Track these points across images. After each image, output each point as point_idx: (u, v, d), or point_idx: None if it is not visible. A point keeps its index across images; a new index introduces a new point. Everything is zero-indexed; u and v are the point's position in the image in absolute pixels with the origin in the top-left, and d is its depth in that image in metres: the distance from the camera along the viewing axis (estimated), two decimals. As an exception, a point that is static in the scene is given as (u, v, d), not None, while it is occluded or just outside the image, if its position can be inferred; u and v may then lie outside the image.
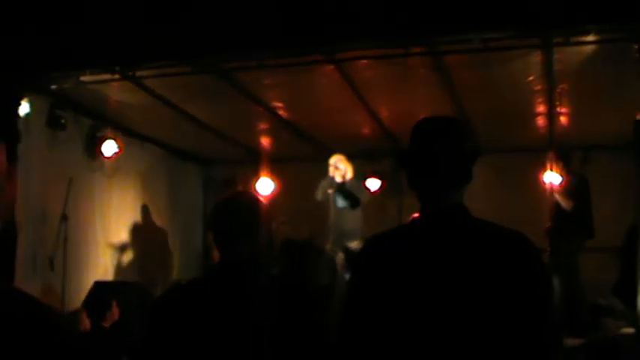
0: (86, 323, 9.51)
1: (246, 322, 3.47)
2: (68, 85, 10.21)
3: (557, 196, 10.96)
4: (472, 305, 3.13)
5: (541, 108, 11.87)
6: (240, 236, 3.70)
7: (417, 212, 3.44)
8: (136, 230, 14.07)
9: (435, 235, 3.30)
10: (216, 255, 3.80)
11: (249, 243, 3.70)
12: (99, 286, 11.61)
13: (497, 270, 3.17)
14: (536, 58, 9.57)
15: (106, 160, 12.65)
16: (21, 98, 9.65)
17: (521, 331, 3.13)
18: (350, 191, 11.70)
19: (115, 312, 10.19)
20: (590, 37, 8.41)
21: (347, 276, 10.68)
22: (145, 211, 14.45)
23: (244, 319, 3.48)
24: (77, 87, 10.34)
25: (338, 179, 11.58)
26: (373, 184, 14.60)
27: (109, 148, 12.42)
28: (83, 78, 9.92)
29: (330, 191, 11.61)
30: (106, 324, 10.07)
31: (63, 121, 11.41)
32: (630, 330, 10.50)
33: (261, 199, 3.99)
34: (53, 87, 10.49)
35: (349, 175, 11.75)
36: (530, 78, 10.34)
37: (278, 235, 11.56)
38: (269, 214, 3.89)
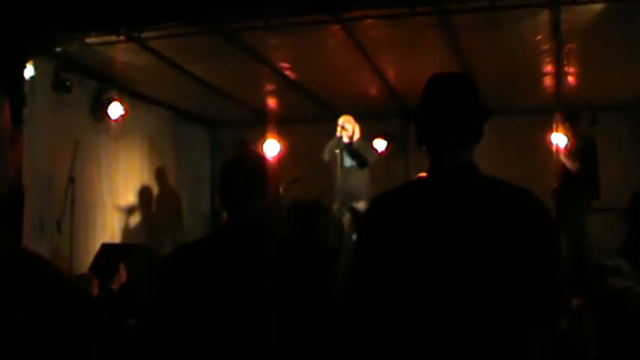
0: (94, 286, 9.52)
1: (253, 284, 3.46)
2: (73, 47, 10.16)
3: (564, 158, 10.93)
4: (480, 262, 3.12)
5: (548, 68, 11.81)
6: (247, 197, 3.68)
7: (422, 172, 3.41)
8: (143, 193, 14.08)
9: (444, 193, 3.28)
10: (225, 217, 3.79)
11: (256, 203, 3.68)
12: (106, 248, 11.63)
13: (506, 228, 3.15)
14: (543, 17, 9.51)
15: (112, 122, 12.64)
16: (26, 61, 9.62)
17: (529, 289, 3.12)
18: (357, 151, 11.66)
19: (122, 274, 10.21)
20: (599, -4, 8.36)
21: (354, 237, 10.69)
22: (151, 173, 14.45)
23: (251, 280, 3.46)
24: (82, 49, 10.29)
25: (345, 139, 11.54)
26: (380, 144, 14.57)
27: (115, 110, 12.39)
28: (88, 40, 9.88)
29: (337, 152, 11.57)
30: (114, 286, 10.09)
31: (68, 83, 11.38)
32: (637, 290, 10.53)
33: (267, 158, 3.96)
34: (58, 49, 10.44)
35: (357, 135, 11.70)
36: (538, 38, 10.27)
37: (286, 196, 11.60)
38: (275, 174, 3.87)
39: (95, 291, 9.50)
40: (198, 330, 3.46)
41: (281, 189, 12.27)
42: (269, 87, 13.48)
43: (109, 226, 12.92)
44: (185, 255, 3.79)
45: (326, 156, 11.79)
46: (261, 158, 3.91)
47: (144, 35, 9.97)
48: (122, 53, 10.94)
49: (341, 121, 11.62)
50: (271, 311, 3.43)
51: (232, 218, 3.74)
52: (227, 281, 3.49)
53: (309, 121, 15.07)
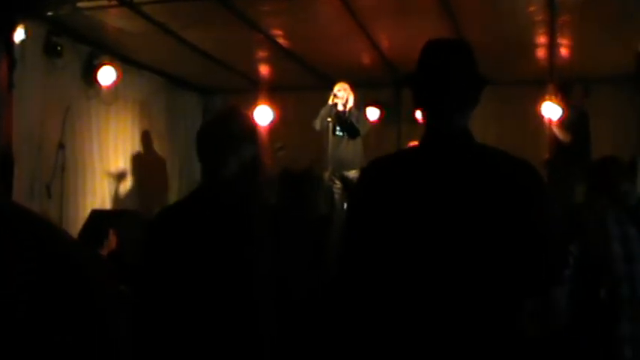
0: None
1: (232, 247, 3.43)
2: (65, 11, 10.10)
3: (556, 129, 10.93)
4: (475, 231, 3.11)
5: (542, 39, 11.78)
6: (222, 155, 3.62)
7: (415, 141, 3.40)
8: (134, 159, 14.03)
9: (438, 160, 3.26)
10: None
11: (233, 162, 3.63)
12: (96, 214, 11.60)
13: (501, 196, 3.14)
14: (538, -13, 9.50)
15: (103, 88, 12.56)
16: (16, 24, 9.55)
17: (525, 258, 3.12)
18: (350, 120, 11.63)
19: (112, 241, 10.18)
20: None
21: (345, 205, 10.69)
22: (143, 139, 14.39)
23: (230, 243, 3.44)
24: (74, 13, 10.23)
25: (339, 107, 11.51)
26: (373, 113, 14.56)
27: (107, 75, 12.32)
28: (80, 4, 9.82)
29: (329, 120, 11.53)
30: (104, 253, 10.08)
31: (59, 48, 11.30)
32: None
33: (250, 119, 3.89)
34: (49, 13, 10.37)
35: (351, 103, 11.66)
36: (532, 8, 10.24)
37: (275, 163, 11.57)
38: (263, 137, 3.83)
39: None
40: (186, 294, 3.45)
41: (269, 155, 12.26)
42: (262, 54, 13.43)
43: (99, 192, 12.88)
44: (166, 220, 3.76)
45: (317, 125, 11.76)
46: (244, 118, 3.84)
47: (136, 0, 9.91)
48: (114, 18, 10.87)
49: (336, 88, 11.58)
50: (251, 277, 3.42)
51: (208, 177, 3.70)
52: (205, 246, 3.46)
53: (301, 89, 15.02)
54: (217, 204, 3.58)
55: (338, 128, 11.67)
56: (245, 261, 3.42)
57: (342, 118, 11.58)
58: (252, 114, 14.05)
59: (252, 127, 3.78)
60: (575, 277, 4.47)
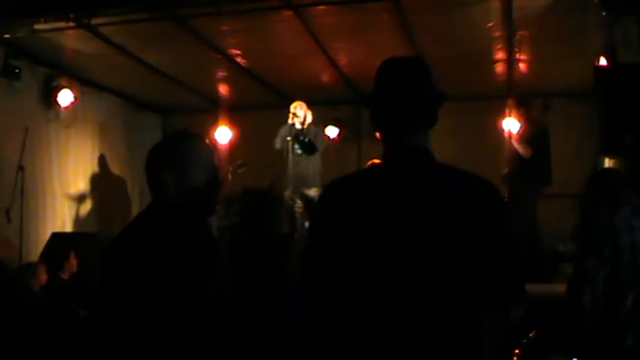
0: (43, 275, 9.44)
1: (173, 276, 3.41)
2: (22, 33, 10.07)
3: (516, 144, 10.98)
4: (433, 250, 3.09)
5: (500, 54, 11.86)
6: (168, 175, 3.58)
7: (375, 158, 3.40)
8: (94, 180, 13.97)
9: (398, 178, 3.24)
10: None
11: (178, 183, 3.58)
12: (57, 237, 11.55)
13: (459, 214, 3.12)
14: (495, 3, 9.56)
15: (62, 109, 12.53)
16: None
17: (484, 277, 3.10)
18: (308, 138, 11.63)
19: (73, 263, 10.14)
20: (550, -17, 8.40)
21: (306, 224, 10.68)
22: (102, 161, 14.34)
23: (170, 272, 3.41)
24: (32, 36, 10.19)
25: (297, 126, 11.52)
26: (332, 131, 14.59)
27: (65, 97, 12.29)
28: (37, 26, 9.79)
29: (288, 139, 11.54)
30: (65, 276, 10.02)
31: (17, 70, 11.28)
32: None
33: (204, 141, 3.84)
34: (7, 36, 10.33)
35: (309, 120, 11.67)
36: (490, 24, 10.32)
37: (235, 181, 11.57)
38: (219, 157, 3.79)
39: (44, 280, 9.42)
40: (138, 320, 3.42)
41: (230, 175, 12.26)
42: (221, 74, 13.43)
43: (60, 215, 12.81)
44: (120, 245, 3.72)
45: (277, 144, 11.77)
46: (196, 142, 3.80)
47: (94, 22, 9.88)
48: (72, 40, 10.85)
49: (293, 107, 11.60)
50: (198, 306, 3.41)
51: (155, 199, 3.67)
52: (153, 273, 3.43)
53: (261, 108, 15.05)
54: (163, 231, 3.55)
55: (297, 146, 11.67)
56: (186, 290, 3.39)
57: (300, 137, 11.58)
58: (211, 134, 14.05)
59: (203, 150, 3.74)
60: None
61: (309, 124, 11.69)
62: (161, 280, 3.39)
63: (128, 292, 3.42)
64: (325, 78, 13.55)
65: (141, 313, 3.39)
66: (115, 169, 14.70)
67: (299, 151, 11.70)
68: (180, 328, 3.36)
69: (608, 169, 7.88)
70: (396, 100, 3.30)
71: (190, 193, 3.59)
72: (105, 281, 3.57)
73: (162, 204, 3.60)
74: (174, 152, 3.63)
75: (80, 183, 13.57)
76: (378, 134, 3.37)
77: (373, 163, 3.34)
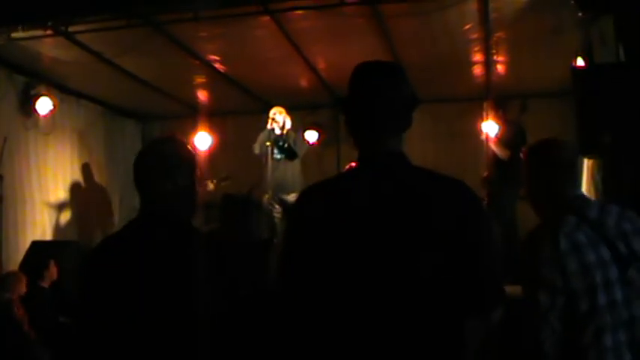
0: (23, 284, 9.43)
1: (162, 282, 3.41)
2: (-1, 41, 10.04)
3: (494, 146, 11.00)
4: (411, 253, 3.10)
5: (478, 57, 11.90)
6: (156, 184, 3.61)
7: (354, 161, 3.39)
8: (74, 189, 13.92)
9: (372, 183, 3.25)
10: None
11: (168, 191, 3.61)
12: (37, 245, 11.52)
13: (437, 218, 3.13)
14: (472, 6, 9.58)
15: (41, 117, 12.48)
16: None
17: (463, 280, 3.10)
18: (287, 143, 11.63)
19: (53, 272, 10.13)
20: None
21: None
22: (82, 168, 14.29)
23: (160, 278, 3.42)
24: (9, 44, 10.17)
25: (277, 131, 11.52)
26: (312, 135, 14.63)
27: (44, 105, 12.25)
28: (15, 34, 9.76)
29: (267, 144, 11.53)
30: (45, 284, 10.00)
31: (-5, 79, 11.25)
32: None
33: (186, 145, 3.87)
34: (-17, 44, 10.31)
35: (288, 126, 11.67)
36: (467, 26, 10.35)
37: (218, 192, 11.55)
38: (199, 162, 3.79)
39: (24, 289, 9.40)
40: (121, 329, 3.42)
41: (212, 185, 12.26)
42: (199, 80, 13.43)
43: (40, 223, 12.76)
44: (102, 254, 3.73)
45: (257, 149, 11.75)
46: (179, 145, 3.82)
47: (71, 29, 9.86)
48: (50, 47, 10.83)
49: (272, 112, 11.60)
50: (191, 306, 3.40)
51: (144, 206, 3.69)
52: (144, 276, 3.44)
53: (240, 114, 15.06)
54: (152, 236, 3.56)
55: (276, 151, 11.66)
56: (177, 296, 3.40)
57: (279, 142, 11.58)
58: (190, 140, 14.02)
59: (187, 153, 3.76)
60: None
61: (288, 130, 11.68)
62: (155, 285, 3.39)
63: (123, 293, 3.42)
64: (304, 82, 13.57)
65: (133, 314, 3.39)
66: (95, 176, 14.64)
67: (279, 156, 11.70)
68: (166, 332, 3.37)
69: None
70: (369, 104, 3.31)
71: (178, 195, 3.61)
72: (93, 285, 3.57)
73: (153, 207, 3.62)
74: (164, 156, 3.66)
75: (60, 191, 13.52)
76: (353, 137, 3.37)
77: (351, 167, 3.34)
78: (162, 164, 3.64)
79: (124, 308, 3.41)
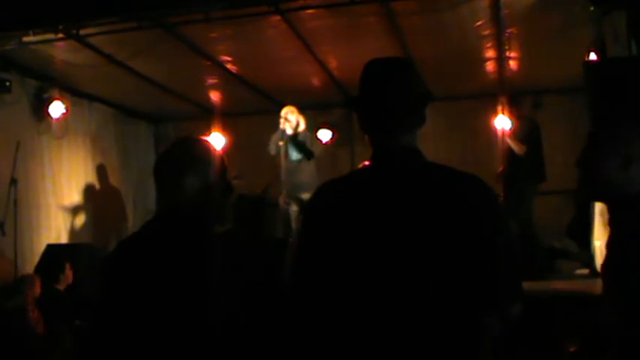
0: (38, 287, 9.44)
1: (185, 282, 3.39)
2: (11, 46, 10.04)
3: (509, 141, 10.96)
4: (427, 250, 3.07)
5: (490, 53, 11.88)
6: (180, 181, 3.58)
7: (367, 160, 3.37)
8: (87, 191, 13.93)
9: (387, 179, 3.22)
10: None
11: (191, 190, 3.58)
12: (52, 249, 11.53)
13: (453, 213, 3.10)
14: (483, 2, 9.58)
15: (54, 121, 12.50)
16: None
17: (480, 276, 3.08)
18: (303, 143, 11.60)
19: (68, 275, 10.14)
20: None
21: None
22: (96, 171, 14.31)
23: (182, 278, 3.40)
24: (21, 48, 10.18)
25: (289, 131, 11.47)
26: (325, 134, 14.61)
27: (57, 109, 12.26)
28: (26, 39, 9.77)
29: (281, 144, 11.49)
30: (60, 287, 10.01)
31: (8, 83, 11.25)
32: (584, 271, 10.60)
33: (211, 146, 3.84)
34: (-5, 49, 10.32)
35: (302, 126, 11.62)
36: (479, 23, 10.33)
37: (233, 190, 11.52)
38: (219, 161, 3.76)
39: (39, 292, 9.42)
40: (144, 330, 3.40)
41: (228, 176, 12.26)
42: (212, 81, 13.44)
43: (54, 227, 12.77)
44: (123, 253, 3.71)
45: (272, 150, 11.69)
46: (205, 146, 3.79)
47: (83, 32, 9.87)
48: (62, 51, 10.83)
49: (284, 112, 11.54)
50: (213, 302, 3.38)
51: (163, 204, 3.66)
52: (164, 279, 3.41)
53: (253, 114, 15.07)
54: (174, 236, 3.54)
55: (293, 152, 11.63)
56: (196, 297, 3.38)
57: (295, 141, 11.54)
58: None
59: (212, 153, 3.73)
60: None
61: (302, 130, 11.64)
62: (177, 285, 3.38)
63: (146, 294, 3.41)
64: (316, 82, 13.56)
65: (152, 316, 3.38)
66: (109, 178, 14.66)
67: (294, 157, 11.65)
68: (184, 332, 3.35)
69: None
70: (381, 101, 3.28)
71: (209, 197, 3.60)
72: (115, 286, 3.56)
73: (176, 207, 3.59)
74: (190, 156, 3.63)
75: (74, 194, 13.54)
76: (366, 135, 3.35)
77: (365, 165, 3.32)
78: (187, 164, 3.60)
79: (144, 309, 3.40)
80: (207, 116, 14.89)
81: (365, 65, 3.39)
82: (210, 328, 3.37)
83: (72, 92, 13.01)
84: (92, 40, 10.32)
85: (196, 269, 3.42)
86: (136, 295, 3.44)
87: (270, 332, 3.49)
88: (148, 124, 16.64)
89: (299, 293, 3.31)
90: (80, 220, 13.63)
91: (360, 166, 3.42)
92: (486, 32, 10.75)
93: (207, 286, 3.39)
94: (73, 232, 13.31)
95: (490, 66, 12.64)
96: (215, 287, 3.40)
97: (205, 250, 3.51)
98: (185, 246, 3.49)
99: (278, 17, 9.91)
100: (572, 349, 6.23)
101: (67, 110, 12.40)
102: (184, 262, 3.44)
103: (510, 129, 11.07)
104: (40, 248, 11.57)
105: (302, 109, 11.79)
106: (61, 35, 9.82)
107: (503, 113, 11.39)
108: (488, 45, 11.43)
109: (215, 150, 3.75)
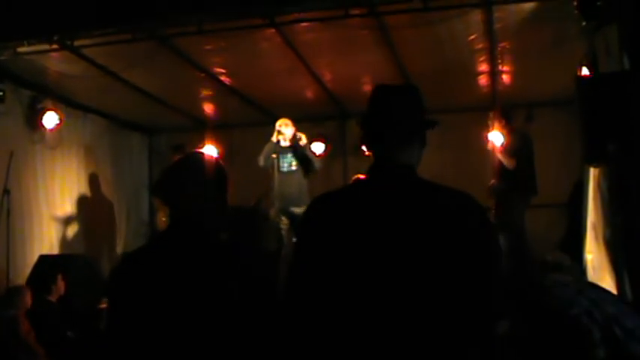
0: (30, 298, 9.42)
1: (197, 287, 3.42)
2: (5, 56, 10.05)
3: (500, 155, 10.99)
4: (418, 266, 3.11)
5: (483, 67, 11.92)
6: (188, 195, 3.64)
7: (360, 173, 3.44)
8: (80, 202, 13.91)
9: (379, 194, 3.29)
10: (160, 220, 3.74)
11: (198, 202, 3.64)
12: (44, 259, 11.51)
13: (443, 230, 3.15)
14: (476, 16, 9.60)
15: (47, 132, 12.50)
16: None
17: (469, 292, 3.11)
18: (307, 156, 11.60)
19: (60, 286, 10.11)
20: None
21: (293, 241, 10.66)
22: (89, 182, 14.29)
23: (195, 283, 3.43)
24: (15, 58, 10.19)
25: (283, 143, 11.49)
26: (318, 147, 14.62)
27: (50, 119, 12.27)
28: (20, 49, 9.79)
29: (274, 156, 11.50)
30: (53, 298, 9.99)
31: (1, 93, 11.24)
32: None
33: (218, 160, 3.91)
34: (-11, 59, 10.33)
35: (304, 141, 11.59)
36: (472, 37, 10.37)
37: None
38: (222, 174, 3.83)
39: (30, 303, 9.40)
40: (153, 341, 3.42)
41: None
42: (205, 93, 13.46)
43: (47, 237, 12.75)
44: (129, 266, 3.74)
45: (261, 161, 11.68)
46: (211, 160, 3.86)
47: (77, 43, 9.88)
48: (56, 62, 10.83)
49: (278, 124, 11.55)
50: (218, 313, 3.41)
51: (174, 219, 3.70)
52: (173, 288, 3.44)
53: (246, 126, 15.09)
54: (182, 248, 3.57)
55: (286, 163, 11.62)
56: (205, 306, 3.40)
57: (301, 156, 11.53)
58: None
59: (219, 167, 3.80)
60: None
61: (305, 144, 11.59)
62: (187, 298, 3.40)
63: (149, 305, 3.43)
64: (309, 94, 13.58)
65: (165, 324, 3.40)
66: (102, 190, 14.66)
67: (285, 169, 11.62)
68: (194, 340, 3.38)
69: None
70: (383, 121, 3.41)
71: (213, 207, 3.65)
72: (122, 298, 3.58)
73: (185, 219, 3.63)
74: (198, 169, 3.70)
75: (67, 205, 13.52)
76: (367, 152, 3.44)
77: (358, 178, 3.39)
78: (195, 177, 3.67)
79: (153, 318, 3.42)
80: (201, 128, 14.93)
81: (374, 89, 3.55)
82: (220, 336, 3.39)
83: (66, 103, 13.02)
84: (86, 52, 10.33)
85: (204, 280, 3.45)
86: (143, 303, 3.47)
87: (270, 341, 3.51)
88: (142, 135, 16.65)
89: (293, 305, 3.34)
90: (73, 230, 13.61)
91: (354, 178, 3.49)
92: (479, 46, 10.79)
93: (213, 295, 3.42)
94: (65, 242, 13.27)
95: (483, 79, 12.68)
96: (222, 296, 3.42)
97: (211, 261, 3.55)
98: (192, 257, 3.53)
99: (272, 30, 9.93)
100: None
101: (60, 121, 12.41)
102: (192, 274, 3.47)
103: (502, 143, 11.09)
104: (33, 259, 11.55)
105: (296, 122, 11.80)
106: (55, 46, 9.81)
107: (494, 127, 11.41)
108: (481, 59, 11.47)
109: (220, 164, 3.83)
